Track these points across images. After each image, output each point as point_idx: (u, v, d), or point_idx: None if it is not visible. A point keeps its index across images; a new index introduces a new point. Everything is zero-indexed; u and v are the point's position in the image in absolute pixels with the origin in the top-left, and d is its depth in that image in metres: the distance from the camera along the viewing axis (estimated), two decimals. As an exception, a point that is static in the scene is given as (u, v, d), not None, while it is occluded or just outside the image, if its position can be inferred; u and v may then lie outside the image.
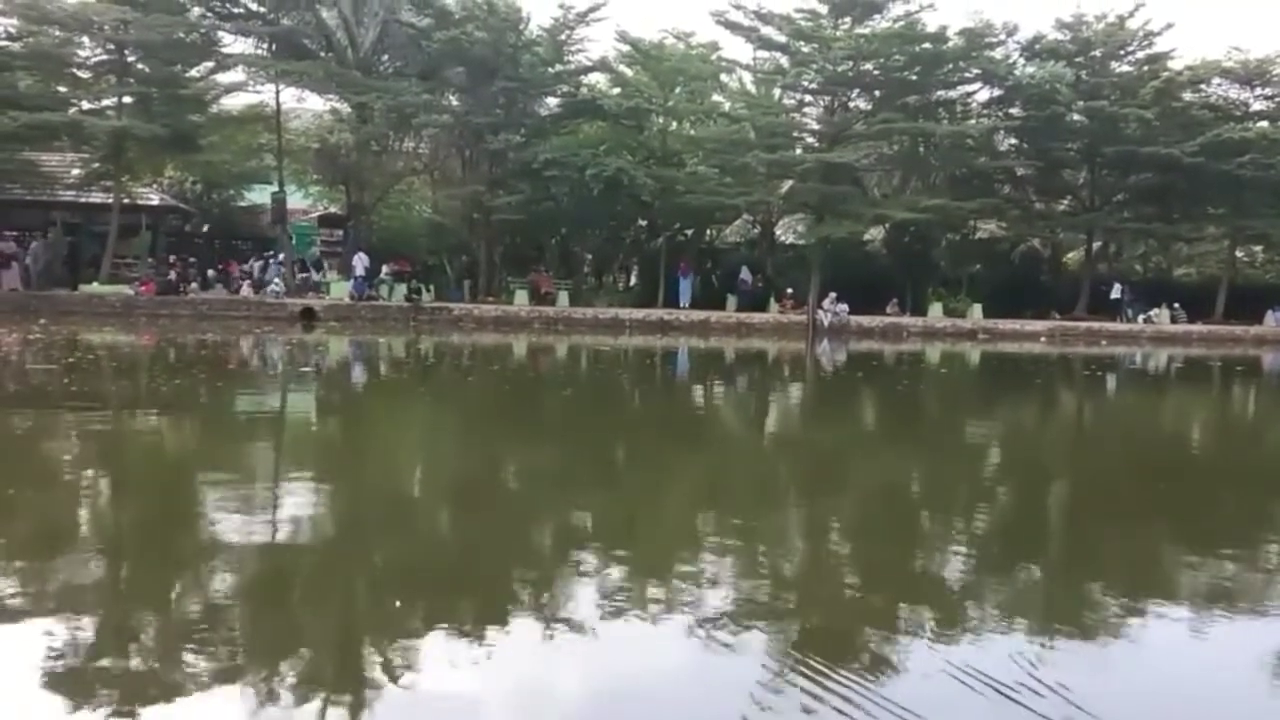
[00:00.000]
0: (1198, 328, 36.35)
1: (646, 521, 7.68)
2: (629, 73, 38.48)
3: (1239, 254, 41.98)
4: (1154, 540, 7.59)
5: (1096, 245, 40.47)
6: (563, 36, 36.65)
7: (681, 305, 35.45)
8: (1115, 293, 38.53)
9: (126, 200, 33.69)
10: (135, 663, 4.49)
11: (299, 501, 7.91)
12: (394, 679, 4.40)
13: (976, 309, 36.23)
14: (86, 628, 4.87)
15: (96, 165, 34.00)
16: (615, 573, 6.08)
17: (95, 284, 31.80)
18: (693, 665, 4.69)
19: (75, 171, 34.41)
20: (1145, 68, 37.43)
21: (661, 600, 5.48)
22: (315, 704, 4.12)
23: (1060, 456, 12.11)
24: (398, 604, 5.41)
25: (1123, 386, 21.92)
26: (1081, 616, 5.54)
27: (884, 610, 5.51)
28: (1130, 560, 6.92)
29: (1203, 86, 38.07)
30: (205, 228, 41.25)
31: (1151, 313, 37.47)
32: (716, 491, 8.96)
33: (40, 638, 4.63)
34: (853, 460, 11.22)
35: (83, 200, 34.77)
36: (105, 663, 4.45)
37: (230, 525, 6.83)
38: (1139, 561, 6.92)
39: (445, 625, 5.08)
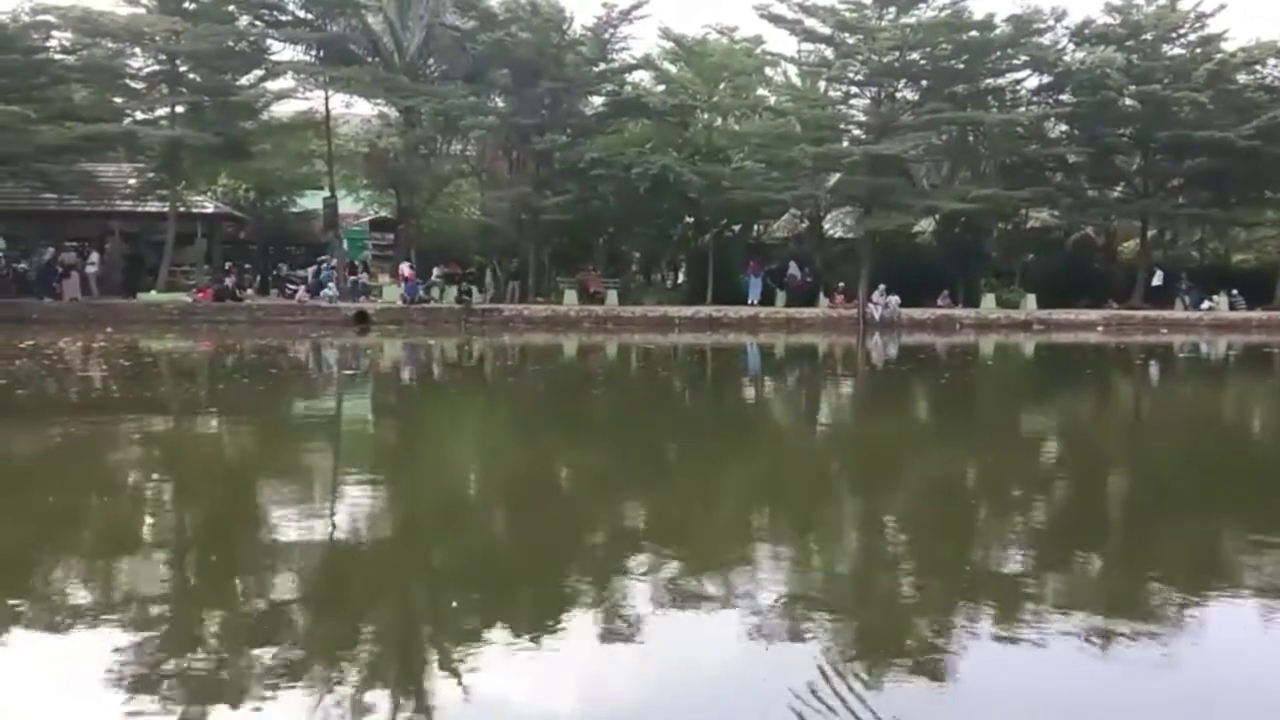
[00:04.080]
0: (1257, 314, 35.65)
1: (731, 516, 7.68)
2: (673, 69, 38.46)
3: (1298, 238, 41.17)
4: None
5: (1151, 232, 39.82)
6: (606, 35, 36.67)
7: (750, 302, 35.25)
8: (1157, 279, 37.97)
9: (182, 209, 34.23)
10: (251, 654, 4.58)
11: (404, 498, 8.07)
12: (461, 673, 4.46)
13: (1030, 299, 35.74)
14: (186, 621, 4.98)
15: (152, 175, 34.51)
16: (701, 565, 6.08)
17: (153, 292, 32.33)
18: (752, 663, 4.69)
19: (131, 181, 34.92)
20: (1198, 50, 36.72)
21: (756, 595, 5.49)
22: (384, 696, 4.23)
23: (1159, 454, 11.93)
24: (479, 595, 5.48)
25: (1197, 377, 21.52)
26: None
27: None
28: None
29: (1258, 68, 37.31)
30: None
31: (1213, 300, 36.81)
32: (797, 488, 8.94)
33: (115, 633, 4.75)
34: (927, 458, 11.11)
35: (139, 210, 35.35)
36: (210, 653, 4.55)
37: (334, 521, 6.97)
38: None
39: (518, 620, 5.11)
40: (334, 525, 7.18)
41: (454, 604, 5.53)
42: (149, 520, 7.44)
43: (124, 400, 14.15)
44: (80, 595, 5.56)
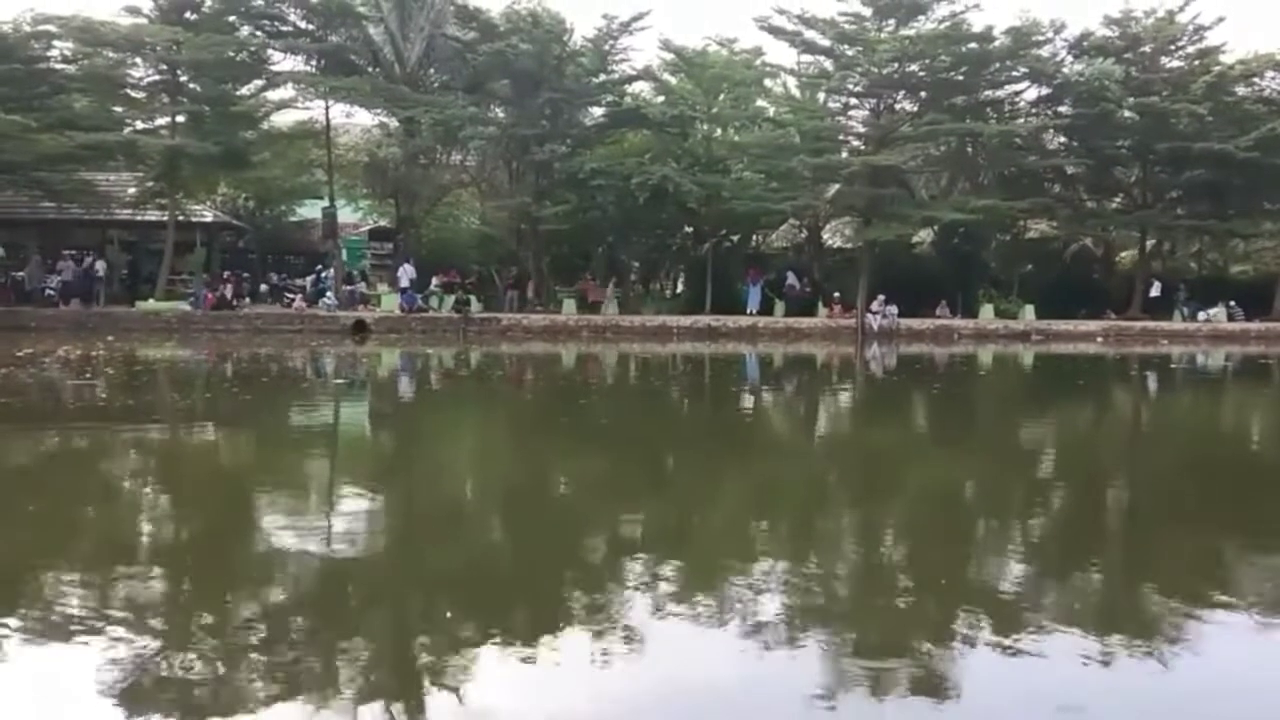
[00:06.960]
0: (1255, 325, 35.67)
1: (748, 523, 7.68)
2: (673, 81, 38.49)
3: (1296, 249, 41.16)
4: None
5: (1150, 243, 39.85)
6: (606, 47, 36.73)
7: (749, 311, 35.28)
8: (1154, 290, 38.02)
9: (181, 217, 34.22)
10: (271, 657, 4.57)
11: (397, 507, 8.06)
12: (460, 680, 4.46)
13: (1028, 310, 35.77)
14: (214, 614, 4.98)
15: (151, 184, 34.51)
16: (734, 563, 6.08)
17: (151, 300, 32.31)
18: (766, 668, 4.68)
19: (131, 190, 34.93)
20: (1196, 62, 36.79)
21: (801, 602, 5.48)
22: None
23: (1149, 465, 11.91)
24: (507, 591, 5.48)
25: (1194, 389, 21.47)
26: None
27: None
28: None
29: (1256, 80, 37.34)
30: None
31: (1210, 311, 36.80)
32: (789, 498, 8.94)
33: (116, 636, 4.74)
34: (920, 469, 11.10)
35: (139, 218, 35.39)
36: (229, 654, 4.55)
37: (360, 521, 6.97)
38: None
39: (515, 630, 5.11)
40: (327, 535, 7.17)
41: (448, 614, 5.53)
42: (137, 529, 7.44)
43: (120, 409, 14.14)
44: (66, 604, 5.54)
